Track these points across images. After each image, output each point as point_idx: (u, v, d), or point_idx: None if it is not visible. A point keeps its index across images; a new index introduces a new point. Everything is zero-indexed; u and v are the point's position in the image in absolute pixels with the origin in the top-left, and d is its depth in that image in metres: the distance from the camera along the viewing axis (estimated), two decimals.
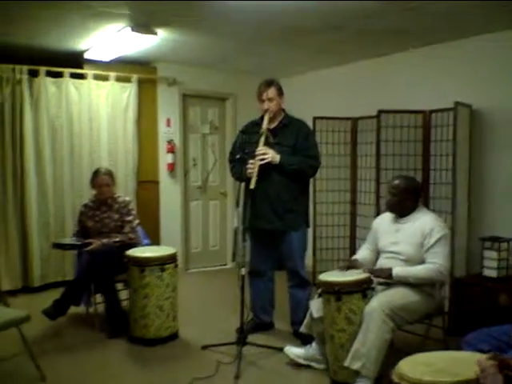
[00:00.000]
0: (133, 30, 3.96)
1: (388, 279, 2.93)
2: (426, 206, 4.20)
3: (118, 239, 3.86)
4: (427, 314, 3.00)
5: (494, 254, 3.63)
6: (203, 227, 6.06)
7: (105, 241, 3.83)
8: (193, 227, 5.97)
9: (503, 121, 3.96)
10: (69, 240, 4.00)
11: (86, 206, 4.08)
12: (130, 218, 3.97)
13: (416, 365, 1.89)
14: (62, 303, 3.61)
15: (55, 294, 3.71)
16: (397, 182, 3.11)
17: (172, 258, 3.64)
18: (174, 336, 3.63)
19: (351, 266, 3.12)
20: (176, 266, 3.68)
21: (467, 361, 1.89)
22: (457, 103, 3.81)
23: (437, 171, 4.21)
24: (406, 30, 3.99)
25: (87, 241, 3.84)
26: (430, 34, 4.12)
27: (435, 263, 2.87)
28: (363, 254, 3.29)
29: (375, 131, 4.41)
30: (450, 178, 3.89)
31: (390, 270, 2.92)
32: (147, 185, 5.49)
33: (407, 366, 1.89)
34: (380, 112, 4.33)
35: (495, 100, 4.00)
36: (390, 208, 3.14)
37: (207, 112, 6.02)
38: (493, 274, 3.62)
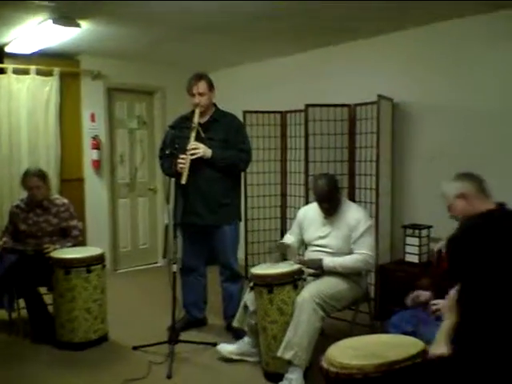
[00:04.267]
0: (54, 22, 3.77)
1: (318, 270, 3.00)
2: (352, 196, 4.34)
3: (70, 244, 3.71)
4: (355, 300, 3.10)
5: (415, 241, 3.82)
6: (132, 225, 5.89)
7: (58, 246, 3.64)
8: (121, 226, 5.79)
9: (422, 113, 4.16)
10: (19, 245, 3.70)
11: (17, 206, 3.79)
12: (74, 222, 3.81)
13: (344, 349, 1.93)
14: None
15: None
16: (323, 187, 3.07)
17: (99, 259, 3.51)
18: (103, 338, 3.51)
19: (281, 247, 3.13)
20: (104, 267, 3.56)
21: (393, 343, 1.96)
22: (379, 96, 3.95)
23: (362, 163, 4.34)
24: (331, 25, 4.07)
25: (45, 245, 3.62)
26: (353, 30, 4.24)
27: (362, 253, 2.98)
28: (288, 241, 3.29)
29: (303, 125, 4.49)
30: (374, 169, 4.03)
31: (320, 260, 3.00)
32: (71, 183, 5.25)
33: (336, 351, 1.92)
34: (307, 106, 4.40)
35: (414, 94, 4.19)
36: (329, 213, 3.13)
37: (134, 106, 5.86)
38: (414, 259, 3.81)
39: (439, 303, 2.31)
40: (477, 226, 1.78)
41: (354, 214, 3.08)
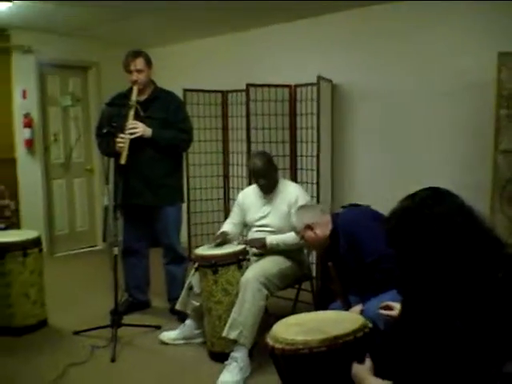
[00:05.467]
0: None
1: (262, 248, 3.04)
2: (294, 177, 4.42)
3: (3, 226, 3.53)
4: (297, 279, 3.18)
5: None
6: (69, 207, 5.70)
7: None
8: (57, 208, 5.57)
9: (360, 94, 4.28)
10: None
11: None
12: (5, 201, 3.62)
13: (289, 326, 1.99)
14: None
15: None
16: (259, 164, 3.11)
17: (35, 242, 3.39)
18: (42, 323, 3.42)
19: (223, 240, 3.12)
20: (41, 251, 3.45)
21: (335, 319, 2.04)
22: (319, 78, 4.01)
23: (303, 143, 4.41)
24: (273, 4, 4.06)
25: None
26: (295, 10, 4.25)
27: None
28: (227, 228, 3.28)
29: (245, 104, 4.48)
30: (315, 150, 4.11)
31: (263, 239, 3.04)
32: (3, 162, 4.98)
33: (280, 328, 1.97)
34: (248, 86, 4.39)
35: (353, 75, 4.30)
36: (267, 190, 3.17)
37: (68, 83, 5.60)
38: None
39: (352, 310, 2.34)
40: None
41: (292, 191, 3.15)
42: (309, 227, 2.60)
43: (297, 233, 2.76)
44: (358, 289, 2.41)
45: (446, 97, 3.83)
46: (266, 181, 3.14)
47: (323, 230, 2.58)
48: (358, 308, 2.31)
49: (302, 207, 2.81)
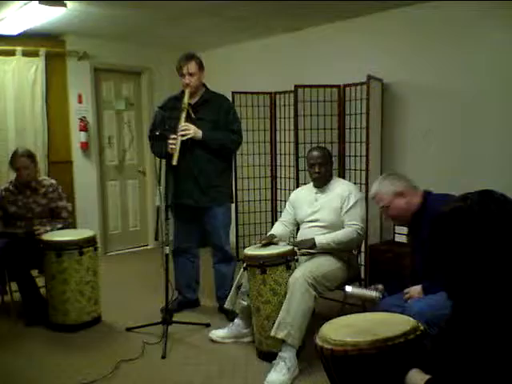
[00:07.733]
0: (40, 2, 3.71)
1: (312, 249, 3.03)
2: (343, 177, 4.36)
3: (60, 225, 3.69)
4: (346, 280, 3.12)
5: None
6: (122, 207, 5.88)
7: (48, 228, 3.63)
8: (111, 208, 5.78)
9: (412, 94, 4.18)
10: (9, 228, 3.67)
11: (6, 190, 3.74)
12: (63, 202, 3.80)
13: (338, 327, 1.97)
14: None
15: None
16: (318, 153, 3.18)
17: (91, 241, 3.51)
18: (96, 320, 3.53)
19: (270, 242, 3.13)
20: (96, 249, 3.56)
21: (385, 320, 2.00)
22: (369, 77, 3.95)
23: (352, 144, 4.36)
24: (321, 3, 4.04)
25: (35, 227, 3.60)
26: (343, 10, 4.21)
27: (353, 225, 3.02)
28: (278, 229, 3.31)
29: (293, 106, 4.48)
30: (364, 150, 4.05)
31: (312, 239, 3.02)
32: (60, 165, 5.21)
33: (330, 328, 1.95)
34: (296, 87, 4.39)
35: (404, 74, 4.20)
36: (321, 181, 3.18)
37: (121, 87, 5.79)
38: (404, 239, 3.85)
39: (410, 290, 2.43)
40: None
41: (345, 187, 3.17)
42: (401, 194, 2.46)
43: (378, 200, 2.54)
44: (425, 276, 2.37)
45: (502, 96, 3.66)
46: (322, 170, 3.14)
47: (414, 201, 2.45)
48: (418, 288, 2.36)
49: (391, 174, 2.61)
